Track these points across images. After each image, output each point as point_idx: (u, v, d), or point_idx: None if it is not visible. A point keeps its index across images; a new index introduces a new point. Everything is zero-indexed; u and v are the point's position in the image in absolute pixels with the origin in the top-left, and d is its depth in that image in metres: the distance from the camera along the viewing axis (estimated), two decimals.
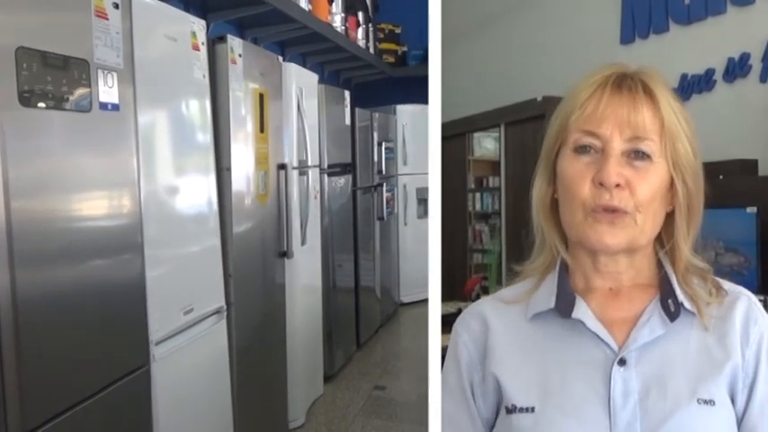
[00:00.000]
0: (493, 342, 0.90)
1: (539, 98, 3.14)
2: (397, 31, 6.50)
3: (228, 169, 2.68)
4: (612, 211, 0.83)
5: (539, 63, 3.84)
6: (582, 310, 0.86)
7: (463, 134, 4.75)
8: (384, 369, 4.63)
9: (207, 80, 2.54)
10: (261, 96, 2.98)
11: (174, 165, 2.33)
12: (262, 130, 2.99)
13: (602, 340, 0.85)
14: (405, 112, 6.05)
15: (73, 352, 1.69)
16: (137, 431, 2.01)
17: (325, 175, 4.05)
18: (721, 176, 2.34)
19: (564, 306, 0.86)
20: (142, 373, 2.00)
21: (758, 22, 2.64)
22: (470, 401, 0.90)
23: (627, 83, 0.87)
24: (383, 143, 5.38)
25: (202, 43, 2.49)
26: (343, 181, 4.45)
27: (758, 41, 2.62)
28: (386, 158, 5.48)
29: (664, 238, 0.89)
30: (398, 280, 5.99)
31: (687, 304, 0.85)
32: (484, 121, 4.41)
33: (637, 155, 0.84)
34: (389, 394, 4.11)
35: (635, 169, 0.84)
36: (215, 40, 2.67)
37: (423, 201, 6.37)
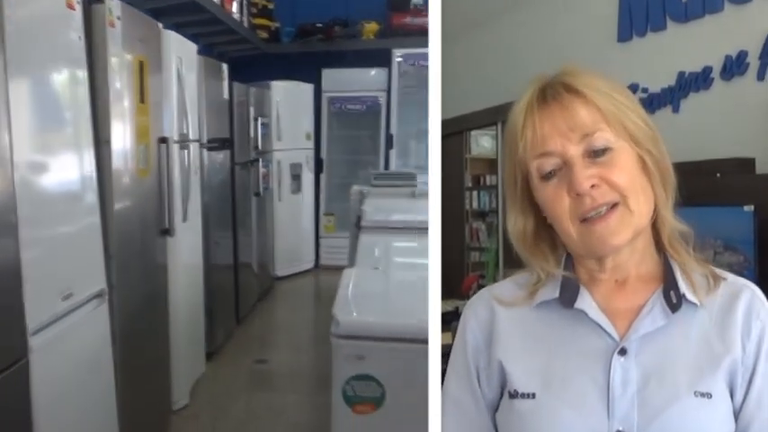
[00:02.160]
0: (499, 328, 0.88)
1: None
2: (270, 6, 6.23)
3: (107, 142, 2.40)
4: (603, 213, 0.80)
5: (536, 61, 3.81)
6: (585, 301, 0.84)
7: (460, 132, 4.63)
8: (264, 343, 4.57)
9: (83, 43, 2.23)
10: (141, 64, 2.68)
11: (49, 137, 2.04)
12: (142, 101, 2.70)
13: (604, 330, 0.83)
14: (278, 88, 5.93)
15: None
16: (15, 429, 1.74)
17: (205, 150, 3.80)
18: (719, 174, 2.31)
19: (567, 296, 0.85)
20: (20, 367, 1.74)
21: (755, 20, 2.60)
22: (475, 385, 0.89)
23: (549, 93, 0.84)
24: (259, 118, 5.15)
25: (78, 2, 2.17)
26: (222, 156, 4.23)
27: (755, 39, 2.58)
28: (261, 134, 5.25)
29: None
30: (273, 255, 5.91)
31: (689, 295, 0.83)
32: (481, 120, 4.30)
33: (596, 153, 0.81)
34: (271, 367, 4.04)
35: (601, 165, 0.81)
36: (91, 0, 2.34)
37: (296, 176, 6.26)
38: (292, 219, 6.19)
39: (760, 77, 2.57)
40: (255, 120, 5.11)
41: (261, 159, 5.25)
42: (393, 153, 6.71)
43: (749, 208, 2.11)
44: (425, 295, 2.26)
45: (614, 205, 0.81)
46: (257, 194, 5.17)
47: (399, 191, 4.82)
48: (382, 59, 6.38)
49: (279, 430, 3.15)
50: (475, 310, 0.91)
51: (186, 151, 3.32)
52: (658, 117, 2.88)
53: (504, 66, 4.16)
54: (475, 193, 4.89)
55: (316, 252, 6.59)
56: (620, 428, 0.78)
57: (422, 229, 3.32)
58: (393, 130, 6.68)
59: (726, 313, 0.83)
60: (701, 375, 0.80)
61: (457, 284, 3.56)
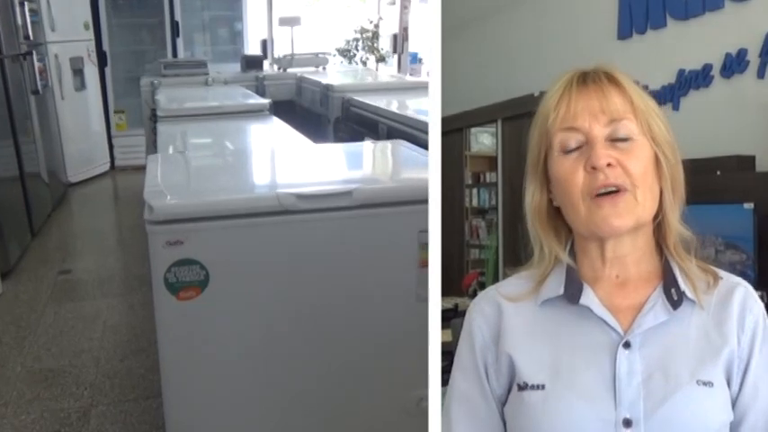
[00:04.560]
0: (506, 324, 0.90)
1: (536, 93, 2.91)
2: None
3: None
4: (614, 192, 0.84)
5: (536, 58, 3.64)
6: (589, 297, 0.87)
7: (460, 129, 4.45)
8: (66, 252, 4.30)
9: None
10: None
11: None
12: None
13: (609, 325, 0.86)
14: None
15: None
16: None
17: None
18: (718, 172, 2.29)
19: (572, 293, 0.88)
20: None
21: (756, 18, 2.57)
22: (484, 381, 0.90)
23: (590, 77, 0.88)
24: (25, 3, 4.49)
25: None
26: None
27: (756, 37, 2.55)
28: (31, 22, 4.58)
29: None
30: (63, 160, 5.41)
31: (689, 293, 0.87)
32: (481, 117, 4.19)
33: (619, 139, 0.85)
34: (76, 276, 3.83)
35: (621, 150, 0.85)
36: None
37: (78, 72, 5.66)
38: (79, 119, 5.66)
39: (760, 75, 2.55)
40: (21, 5, 4.45)
41: (35, 52, 4.63)
42: (180, 42, 6.33)
43: (749, 206, 2.09)
44: (238, 173, 2.13)
45: (623, 190, 0.84)
46: (36, 93, 4.61)
47: (192, 80, 4.68)
48: None
49: (96, 336, 3.01)
50: (481, 307, 0.93)
51: None
52: None
53: (503, 63, 4.10)
54: (475, 190, 4.76)
55: (110, 153, 6.14)
56: (628, 416, 0.82)
57: (220, 114, 3.21)
58: (178, 18, 6.28)
59: (722, 309, 0.87)
60: (702, 365, 0.84)
61: (457, 281, 3.49)
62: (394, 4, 7.58)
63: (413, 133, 2.86)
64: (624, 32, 3.17)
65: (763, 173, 2.31)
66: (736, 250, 2.02)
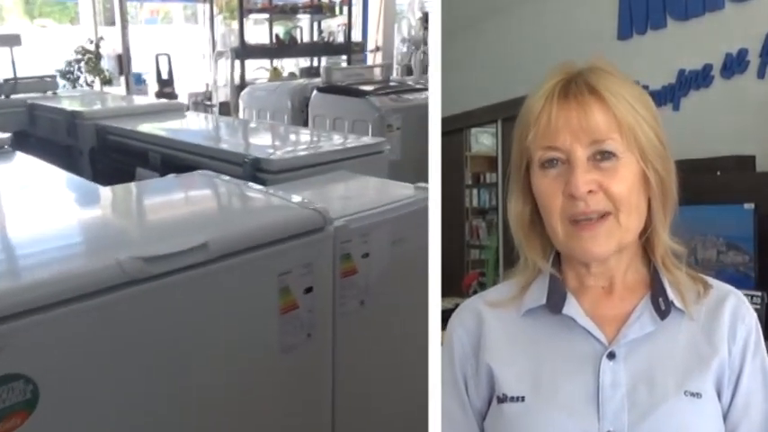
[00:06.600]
0: (487, 334, 0.88)
1: None
2: None
3: None
4: (596, 218, 0.81)
5: (536, 58, 3.58)
6: (573, 307, 0.85)
7: (460, 130, 4.47)
8: None
9: None
10: None
11: None
12: None
13: (593, 335, 0.84)
14: None
15: None
16: None
17: None
18: (719, 172, 2.31)
19: (555, 303, 0.85)
20: None
21: (756, 18, 2.60)
22: (463, 393, 0.88)
23: (572, 89, 0.83)
24: None
25: None
26: None
27: (756, 37, 2.58)
28: None
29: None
30: None
31: (677, 303, 0.85)
32: (481, 117, 4.18)
33: (603, 156, 0.81)
34: None
35: (603, 171, 0.81)
36: None
37: None
38: None
39: (760, 75, 2.57)
40: None
41: None
42: None
43: (749, 206, 2.08)
44: (44, 239, 1.55)
45: (605, 215, 0.81)
46: None
47: None
48: None
49: None
50: (462, 318, 0.91)
51: None
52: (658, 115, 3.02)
53: (503, 63, 4.09)
54: (475, 190, 4.84)
55: None
56: (611, 429, 0.79)
57: None
58: None
59: (712, 318, 0.85)
60: (690, 376, 0.82)
61: (457, 282, 3.49)
62: (114, 24, 7.25)
63: (197, 160, 2.44)
64: (624, 33, 3.21)
65: (763, 173, 2.32)
66: (738, 251, 2.01)
